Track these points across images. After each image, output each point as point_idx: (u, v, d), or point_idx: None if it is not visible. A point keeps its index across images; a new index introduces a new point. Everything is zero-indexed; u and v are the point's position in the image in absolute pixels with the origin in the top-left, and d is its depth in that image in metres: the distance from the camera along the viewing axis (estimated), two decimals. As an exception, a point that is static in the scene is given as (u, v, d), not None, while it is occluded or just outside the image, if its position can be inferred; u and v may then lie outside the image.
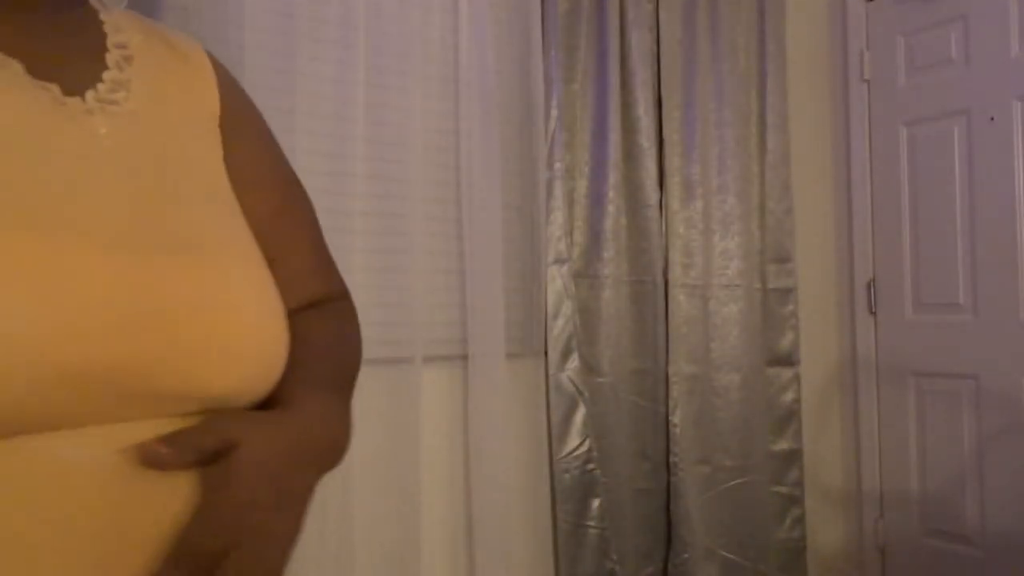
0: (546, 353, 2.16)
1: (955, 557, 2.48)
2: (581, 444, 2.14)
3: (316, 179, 1.82)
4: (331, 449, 0.57)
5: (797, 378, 2.61)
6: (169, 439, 0.47)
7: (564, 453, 2.13)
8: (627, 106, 2.27)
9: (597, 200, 2.23)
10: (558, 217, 2.16)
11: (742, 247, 2.45)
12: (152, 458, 0.45)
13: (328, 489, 1.82)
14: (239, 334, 0.52)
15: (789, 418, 2.60)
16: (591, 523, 2.14)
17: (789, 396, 2.60)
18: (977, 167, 2.42)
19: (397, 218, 1.96)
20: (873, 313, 2.71)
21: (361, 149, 1.90)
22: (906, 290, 2.62)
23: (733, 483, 2.40)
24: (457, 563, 2.05)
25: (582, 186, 2.23)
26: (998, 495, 2.38)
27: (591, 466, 2.14)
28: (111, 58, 0.57)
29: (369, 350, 2.00)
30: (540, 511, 2.18)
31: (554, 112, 2.16)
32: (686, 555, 2.26)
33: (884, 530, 2.67)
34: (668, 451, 2.30)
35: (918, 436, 2.59)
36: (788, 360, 2.60)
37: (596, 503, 2.15)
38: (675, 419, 2.29)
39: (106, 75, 0.56)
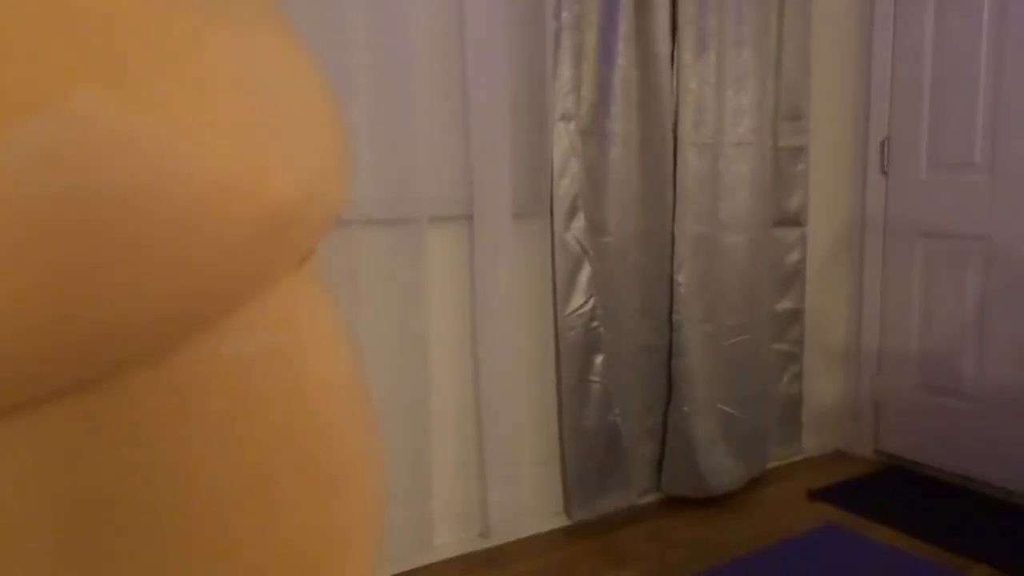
0: (552, 213, 2.14)
1: (948, 411, 2.55)
2: (586, 303, 2.16)
3: (316, 31, 1.75)
4: None
5: (803, 238, 2.61)
6: None
7: (569, 311, 2.15)
8: (640, -50, 2.14)
9: (606, 53, 2.14)
10: (565, 71, 2.08)
11: (755, 104, 2.38)
12: None
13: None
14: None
15: (793, 278, 2.62)
16: (594, 379, 2.19)
17: (795, 256, 2.60)
18: (1008, 23, 2.31)
19: (400, 73, 1.89)
20: (885, 173, 2.66)
21: (360, -2, 1.81)
22: (921, 149, 2.56)
23: (734, 340, 2.44)
24: (464, 419, 2.12)
25: (591, 38, 2.14)
26: (997, 353, 2.42)
27: (595, 324, 2.17)
28: None
29: (374, 211, 1.99)
30: (545, 367, 2.23)
31: (563, -43, 2.04)
32: (686, 409, 2.33)
33: (880, 386, 2.74)
34: (672, 310, 2.33)
35: (922, 296, 2.61)
36: (796, 220, 2.59)
37: (599, 359, 2.19)
38: (680, 278, 2.30)
39: None
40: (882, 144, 2.65)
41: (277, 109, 0.28)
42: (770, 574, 1.97)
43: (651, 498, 2.42)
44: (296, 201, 0.28)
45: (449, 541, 2.11)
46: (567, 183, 2.12)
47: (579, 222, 2.14)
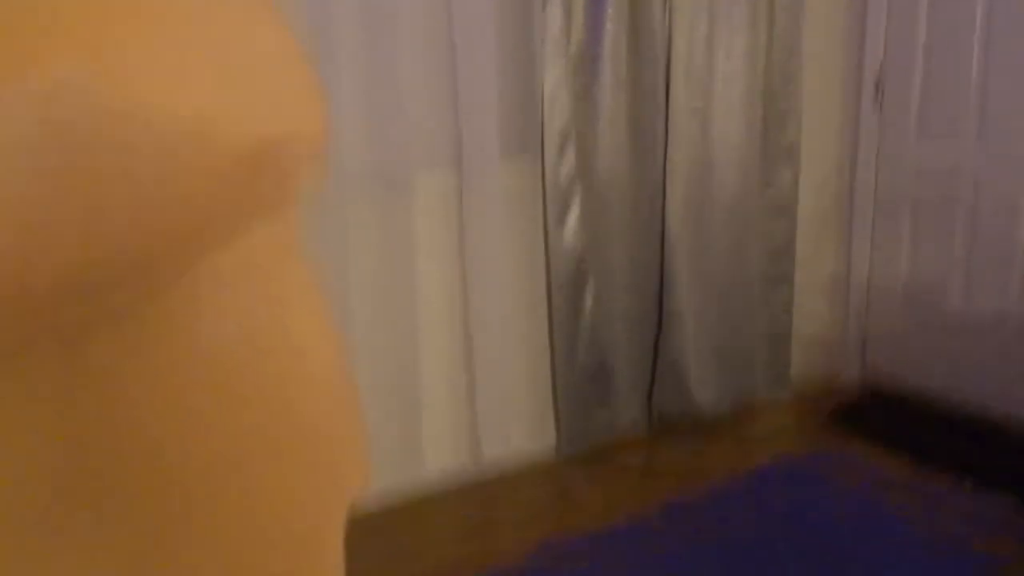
0: (542, 149, 2.13)
1: (934, 335, 2.59)
2: (576, 241, 2.17)
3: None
4: None
5: (796, 170, 2.60)
6: None
7: (559, 249, 2.17)
8: None
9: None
10: (555, 9, 2.04)
11: (749, 32, 2.34)
12: None
13: (326, 289, 1.88)
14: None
15: (785, 208, 2.61)
16: (585, 313, 2.22)
17: (787, 185, 2.59)
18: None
19: (384, 14, 1.85)
20: (880, 108, 2.63)
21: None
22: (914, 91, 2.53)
23: (724, 272, 2.46)
24: (455, 357, 2.15)
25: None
26: (984, 276, 2.43)
27: (586, 260, 2.19)
28: None
29: (359, 157, 1.98)
30: (536, 303, 2.25)
31: None
32: (675, 340, 2.37)
33: (868, 312, 2.77)
34: (662, 244, 2.34)
35: (911, 227, 2.61)
36: (788, 153, 2.57)
37: (590, 294, 2.22)
38: (670, 212, 2.31)
39: None
40: (877, 84, 2.62)
41: (251, 49, 0.28)
42: (757, 498, 2.04)
43: (640, 427, 2.48)
44: (274, 138, 0.27)
45: (440, 469, 2.17)
46: (557, 120, 2.10)
47: (569, 158, 2.13)
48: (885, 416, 2.56)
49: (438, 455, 2.17)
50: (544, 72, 2.07)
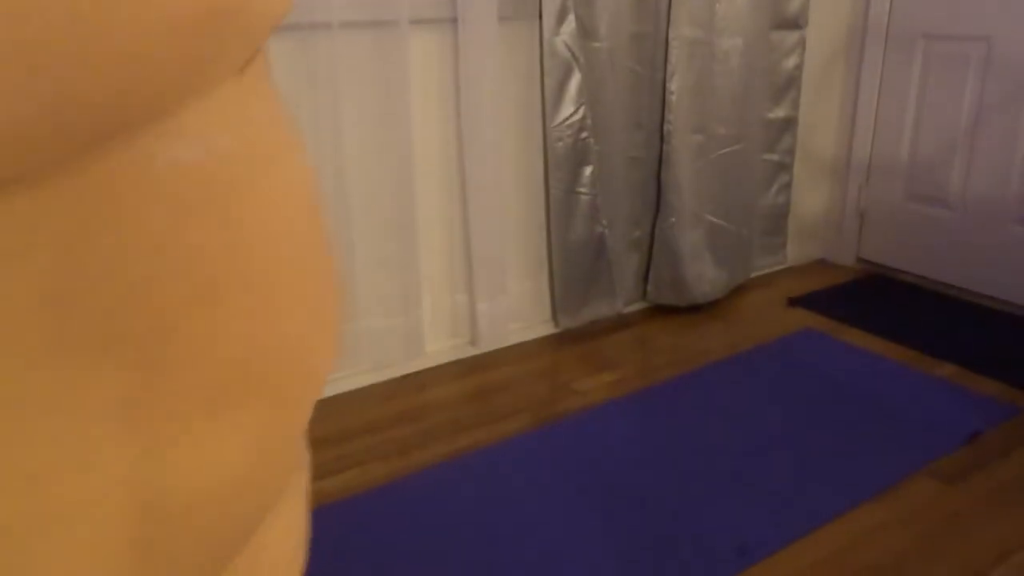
0: (540, 15, 2.03)
1: (932, 219, 2.58)
2: (575, 112, 2.10)
3: None
4: None
5: (802, 42, 2.51)
6: None
7: (558, 121, 2.10)
8: None
9: None
10: None
11: None
12: None
13: (322, 155, 1.82)
14: None
15: (789, 85, 2.54)
16: (583, 190, 2.18)
17: (792, 62, 2.51)
18: None
19: None
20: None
21: None
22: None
23: (725, 151, 2.40)
24: (452, 229, 2.12)
25: None
26: (985, 162, 2.41)
27: (584, 134, 2.13)
28: None
29: (350, 12, 1.89)
30: (533, 178, 2.20)
31: None
32: (673, 219, 2.34)
33: (867, 195, 2.74)
34: (663, 119, 2.27)
35: (917, 104, 2.55)
36: (795, 23, 2.47)
37: (588, 170, 2.16)
38: (672, 86, 2.23)
39: None
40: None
41: None
42: (748, 376, 2.06)
43: (636, 307, 2.48)
44: (236, 3, 0.26)
45: (440, 348, 2.18)
46: (556, -18, 2.00)
47: (569, 25, 2.04)
48: (876, 297, 2.57)
49: (437, 336, 2.16)
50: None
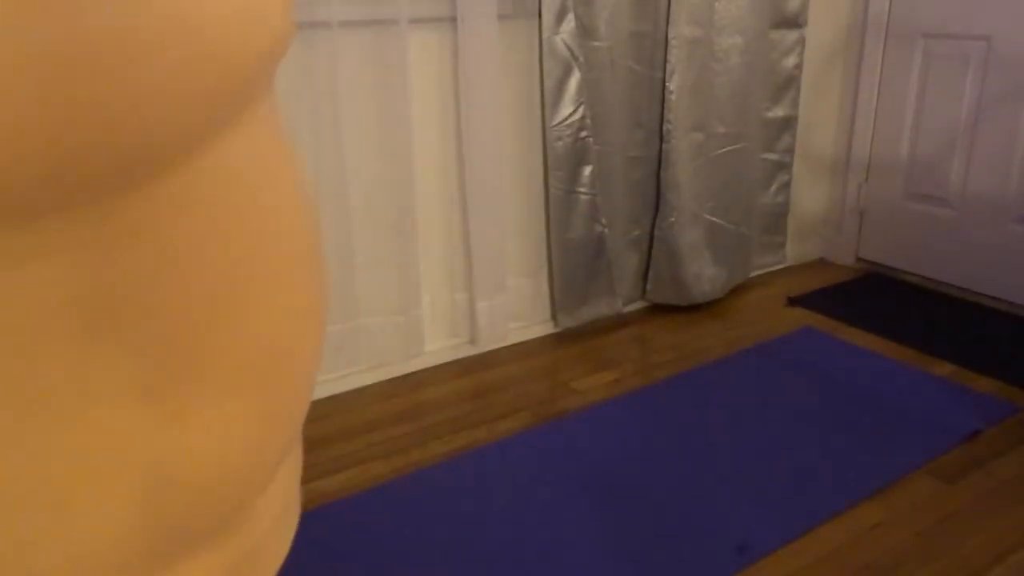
0: (540, 14, 2.03)
1: (931, 218, 2.58)
2: (575, 111, 2.10)
3: None
4: None
5: (802, 41, 2.51)
6: None
7: (557, 120, 2.10)
8: None
9: None
10: None
11: None
12: None
13: (322, 155, 1.82)
14: None
15: (788, 84, 2.54)
16: (582, 189, 2.17)
17: (791, 61, 2.51)
18: None
19: None
20: (892, -31, 2.52)
21: None
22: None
23: (724, 150, 2.40)
24: (452, 229, 2.12)
25: None
26: (985, 161, 2.41)
27: (584, 134, 2.13)
28: None
29: (350, 11, 1.88)
30: (532, 177, 2.20)
31: None
32: (672, 219, 2.34)
33: (866, 194, 2.74)
34: (663, 118, 2.27)
35: (916, 102, 2.55)
36: (795, 22, 2.47)
37: (588, 170, 2.16)
38: (672, 85, 2.23)
39: None
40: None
41: None
42: (747, 375, 2.06)
43: (636, 306, 2.48)
44: (286, 29, 0.31)
45: (439, 347, 2.18)
46: (556, -19, 2.00)
47: (568, 24, 2.04)
48: (876, 296, 2.57)
49: (437, 335, 2.16)
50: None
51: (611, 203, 2.25)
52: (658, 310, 2.47)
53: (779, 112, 2.56)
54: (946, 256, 2.55)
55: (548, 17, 2.02)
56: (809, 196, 2.80)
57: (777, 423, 1.83)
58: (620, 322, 2.38)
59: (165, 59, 0.24)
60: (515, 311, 2.26)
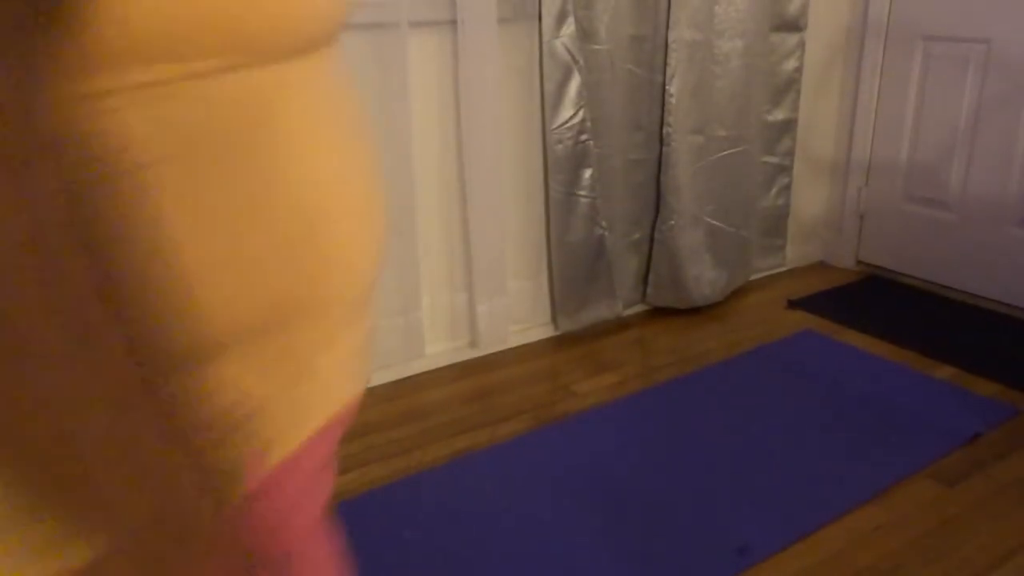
0: (540, 17, 2.03)
1: (931, 221, 2.58)
2: (575, 114, 2.10)
3: None
4: None
5: (802, 44, 2.51)
6: None
7: (557, 123, 2.10)
8: None
9: None
10: None
11: None
12: None
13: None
14: None
15: (788, 87, 2.54)
16: (582, 192, 2.18)
17: (791, 64, 2.52)
18: None
19: None
20: (892, -28, 2.52)
21: None
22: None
23: (725, 153, 2.40)
24: (452, 230, 2.12)
25: None
26: (985, 164, 2.41)
27: (584, 136, 2.13)
28: None
29: (350, 14, 1.87)
30: (532, 180, 2.21)
31: None
32: (672, 222, 2.34)
33: (867, 197, 2.74)
34: (663, 121, 2.27)
35: (916, 106, 2.55)
36: (795, 25, 2.47)
37: (588, 173, 2.16)
38: (672, 88, 2.23)
39: None
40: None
41: None
42: (748, 378, 2.06)
43: (636, 309, 2.48)
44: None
45: (439, 350, 2.18)
46: (556, -16, 2.00)
47: (568, 28, 2.04)
48: (876, 299, 2.57)
49: (437, 338, 2.16)
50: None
51: (611, 206, 2.26)
52: (658, 313, 2.47)
53: (779, 115, 2.56)
54: (946, 259, 2.55)
55: (548, 20, 2.02)
56: (809, 199, 2.80)
57: (778, 426, 1.82)
58: (620, 325, 2.38)
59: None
60: (515, 314, 2.26)
